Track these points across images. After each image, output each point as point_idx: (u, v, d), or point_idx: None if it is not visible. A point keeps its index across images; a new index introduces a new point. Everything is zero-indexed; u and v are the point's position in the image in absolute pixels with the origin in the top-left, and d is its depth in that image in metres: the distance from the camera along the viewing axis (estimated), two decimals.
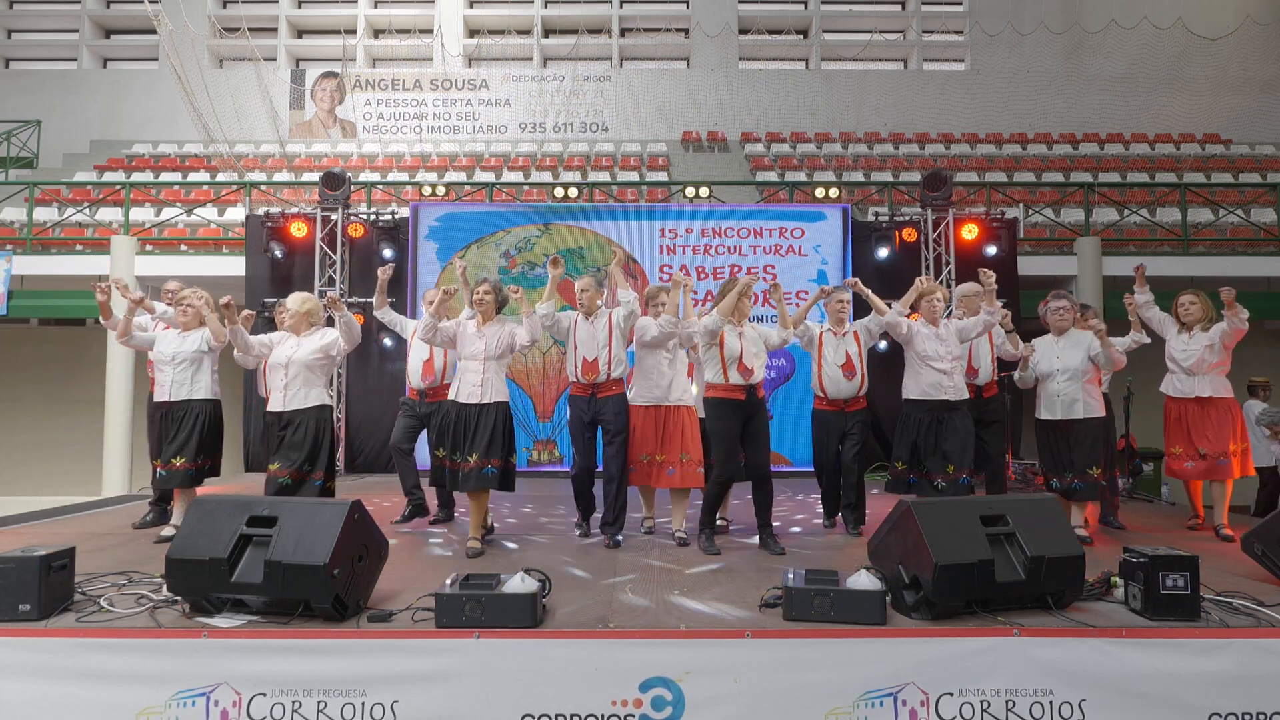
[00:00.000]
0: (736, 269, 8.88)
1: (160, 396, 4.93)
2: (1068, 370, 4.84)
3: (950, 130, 16.32)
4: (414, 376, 5.46)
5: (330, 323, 4.91)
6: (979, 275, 4.80)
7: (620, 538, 4.74)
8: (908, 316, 4.96)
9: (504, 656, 2.82)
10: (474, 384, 4.49)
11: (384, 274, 5.23)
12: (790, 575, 3.17)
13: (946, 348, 4.85)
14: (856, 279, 5.12)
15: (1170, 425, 5.20)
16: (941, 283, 8.73)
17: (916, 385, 4.89)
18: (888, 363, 7.63)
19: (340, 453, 8.51)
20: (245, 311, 5.14)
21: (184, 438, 4.78)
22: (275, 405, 4.64)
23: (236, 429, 7.83)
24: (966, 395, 4.90)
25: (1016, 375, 5.15)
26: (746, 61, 17.38)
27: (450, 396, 4.62)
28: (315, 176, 10.71)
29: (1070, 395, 4.83)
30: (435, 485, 4.81)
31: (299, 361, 4.60)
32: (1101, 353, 4.78)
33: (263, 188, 11.85)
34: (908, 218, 9.18)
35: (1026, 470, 7.23)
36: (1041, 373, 4.97)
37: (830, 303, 5.22)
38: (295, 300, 4.81)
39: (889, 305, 5.03)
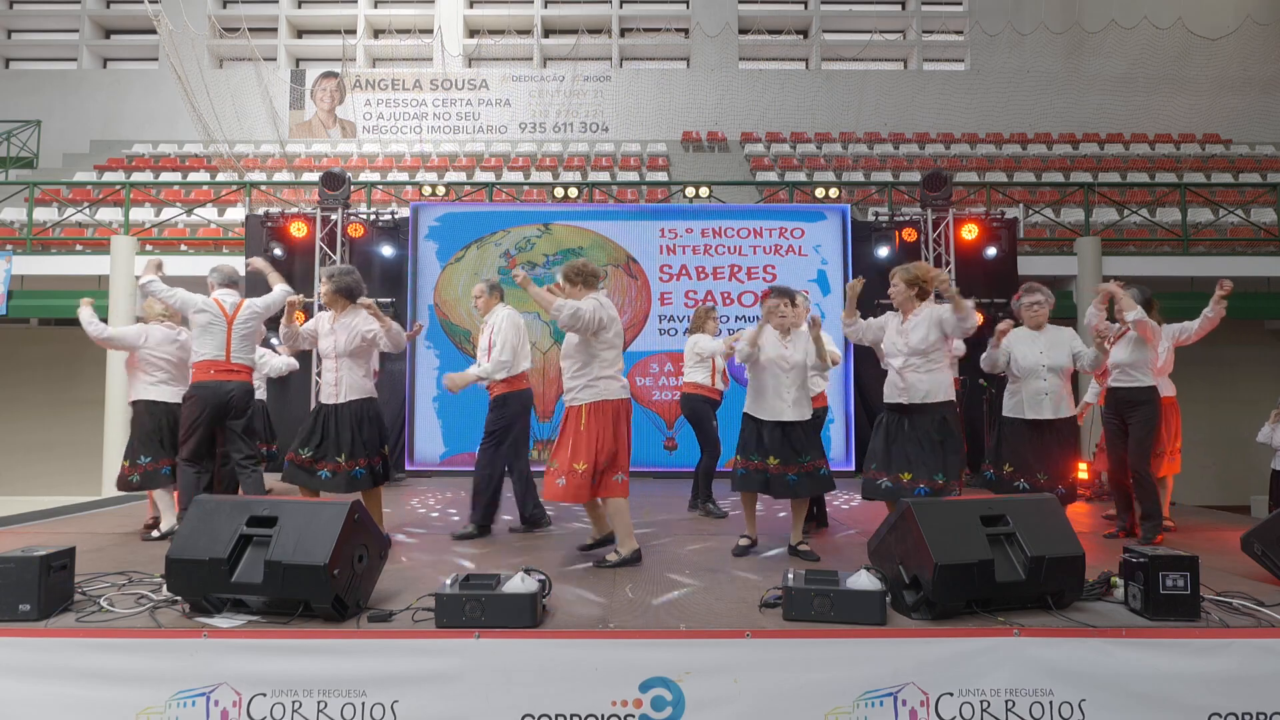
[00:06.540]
0: (736, 269, 8.89)
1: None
2: (1056, 369, 4.64)
3: (950, 130, 16.33)
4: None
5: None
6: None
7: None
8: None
9: (504, 657, 2.82)
10: (330, 383, 4.53)
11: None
12: (790, 575, 3.17)
13: (904, 340, 4.31)
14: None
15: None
16: None
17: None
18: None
19: None
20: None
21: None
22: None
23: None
24: (917, 399, 4.28)
25: (984, 355, 4.80)
26: (746, 61, 17.38)
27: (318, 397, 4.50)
28: (315, 176, 10.71)
29: (1057, 394, 4.65)
30: (291, 483, 4.48)
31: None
32: (1086, 354, 4.61)
33: (263, 188, 11.86)
34: (908, 218, 9.18)
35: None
36: (1022, 369, 4.68)
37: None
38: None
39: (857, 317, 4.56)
